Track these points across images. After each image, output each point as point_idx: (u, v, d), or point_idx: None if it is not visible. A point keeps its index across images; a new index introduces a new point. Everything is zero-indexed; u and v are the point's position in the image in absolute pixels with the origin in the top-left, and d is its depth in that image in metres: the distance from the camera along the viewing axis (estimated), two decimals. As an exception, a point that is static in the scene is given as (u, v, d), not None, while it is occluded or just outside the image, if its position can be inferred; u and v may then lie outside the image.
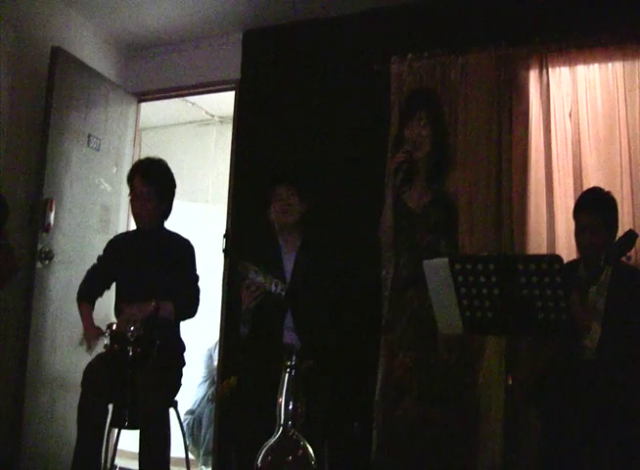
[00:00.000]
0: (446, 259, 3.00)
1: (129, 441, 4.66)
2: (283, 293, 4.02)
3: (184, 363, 4.39)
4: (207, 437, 5.97)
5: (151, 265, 4.35)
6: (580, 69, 4.72)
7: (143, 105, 6.55)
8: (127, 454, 5.22)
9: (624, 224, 4.02)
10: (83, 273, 4.58)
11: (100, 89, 5.93)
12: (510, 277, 2.87)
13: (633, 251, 3.59)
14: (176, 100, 6.77)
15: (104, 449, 4.16)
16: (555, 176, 4.65)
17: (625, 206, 4.34)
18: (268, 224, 4.35)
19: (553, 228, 4.56)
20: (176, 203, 4.57)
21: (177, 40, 6.22)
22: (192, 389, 6.19)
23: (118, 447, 4.65)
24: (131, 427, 4.05)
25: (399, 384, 3.80)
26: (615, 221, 3.86)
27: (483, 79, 4.89)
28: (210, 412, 6.04)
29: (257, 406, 3.45)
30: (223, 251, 5.58)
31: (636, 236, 3.45)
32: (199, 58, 6.19)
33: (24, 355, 5.10)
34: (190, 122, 7.70)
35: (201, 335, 6.17)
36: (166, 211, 4.54)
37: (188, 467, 4.46)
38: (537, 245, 4.59)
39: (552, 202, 4.62)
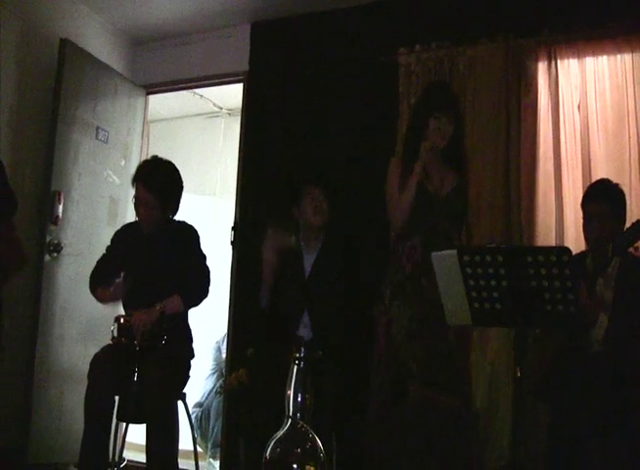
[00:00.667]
0: (455, 251, 2.99)
1: (138, 433, 4.66)
2: (301, 246, 4.11)
3: (193, 355, 4.38)
4: (215, 429, 5.97)
5: (158, 261, 4.35)
6: (589, 60, 4.71)
7: (151, 97, 6.55)
8: (136, 447, 5.22)
9: (633, 216, 4.00)
10: (92, 265, 4.58)
11: (108, 81, 5.93)
12: (518, 269, 2.86)
13: None
14: (184, 92, 6.76)
15: (112, 442, 4.17)
16: (563, 168, 4.64)
17: (634, 197, 4.33)
18: (287, 220, 4.34)
19: (561, 220, 4.55)
20: (184, 196, 4.55)
21: (185, 32, 6.21)
22: (200, 381, 6.19)
23: (127, 440, 4.66)
24: (137, 420, 4.06)
25: (404, 371, 3.81)
26: (623, 213, 3.85)
27: (492, 71, 4.88)
28: (219, 405, 6.04)
29: (267, 398, 3.45)
30: (231, 243, 5.58)
31: (645, 227, 3.43)
32: (207, 50, 6.18)
33: (33, 348, 5.12)
34: (198, 115, 7.68)
35: (209, 327, 6.18)
36: (173, 212, 4.53)
37: (196, 460, 4.46)
38: (546, 237, 4.58)
39: (560, 194, 4.61)
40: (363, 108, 5.27)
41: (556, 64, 4.77)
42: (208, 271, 4.39)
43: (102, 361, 4.08)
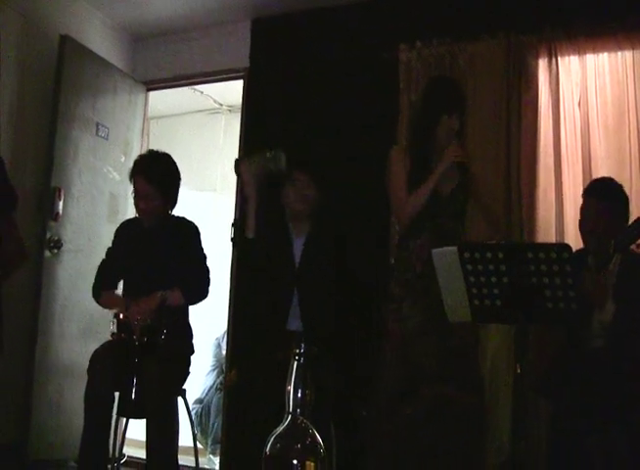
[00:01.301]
0: (455, 248, 2.99)
1: (138, 429, 4.67)
2: (283, 164, 4.05)
3: (192, 351, 4.38)
4: (216, 426, 5.99)
5: (159, 254, 4.35)
6: (589, 57, 4.72)
7: (151, 93, 6.55)
8: (136, 443, 5.23)
9: (633, 213, 4.01)
10: (92, 262, 4.59)
11: (108, 78, 5.93)
12: (519, 265, 2.86)
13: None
14: (185, 89, 6.75)
15: (112, 438, 4.17)
16: (564, 165, 4.64)
17: (634, 193, 4.33)
18: (276, 205, 4.32)
19: (562, 217, 4.56)
20: (184, 192, 4.55)
21: (186, 28, 6.22)
22: (200, 378, 6.19)
23: (127, 436, 4.66)
24: (137, 416, 4.06)
25: (416, 369, 3.82)
26: (622, 211, 3.85)
27: (492, 68, 4.88)
28: (219, 401, 6.05)
29: (264, 394, 3.45)
30: (231, 239, 5.56)
31: (646, 224, 3.44)
32: (207, 46, 6.18)
33: (33, 344, 5.13)
34: (198, 111, 7.68)
35: (209, 324, 6.18)
36: (172, 205, 4.52)
37: (196, 456, 4.47)
38: (546, 233, 4.58)
39: (561, 190, 4.61)
40: (364, 104, 5.27)
41: (556, 60, 4.77)
42: (209, 272, 4.40)
43: (102, 357, 4.08)
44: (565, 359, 3.76)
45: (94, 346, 4.33)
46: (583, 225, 3.93)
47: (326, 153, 5.20)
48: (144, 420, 4.03)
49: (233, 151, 6.09)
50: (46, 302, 5.22)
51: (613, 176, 4.05)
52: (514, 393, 3.51)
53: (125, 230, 4.61)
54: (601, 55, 4.70)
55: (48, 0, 5.50)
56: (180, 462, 4.16)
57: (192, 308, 4.41)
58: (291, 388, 1.70)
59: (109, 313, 4.40)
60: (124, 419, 4.42)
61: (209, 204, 7.44)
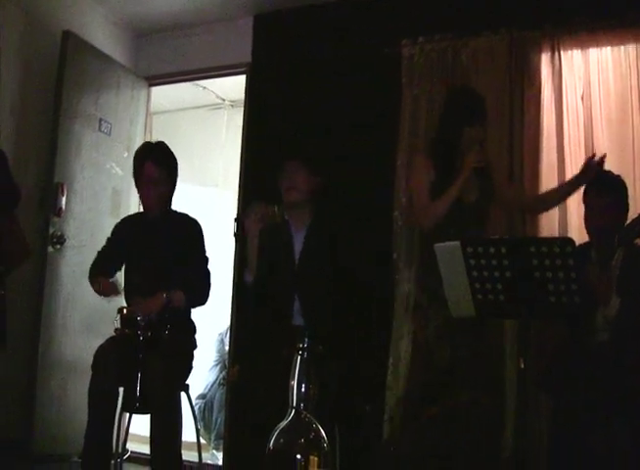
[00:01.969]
0: (458, 243, 2.99)
1: (141, 424, 4.67)
2: (285, 217, 4.09)
3: (195, 346, 4.40)
4: (219, 421, 5.98)
5: (161, 250, 4.35)
6: (592, 51, 4.70)
7: (154, 89, 6.55)
8: (139, 438, 5.23)
9: (637, 206, 4.01)
10: (97, 251, 4.59)
11: (111, 73, 5.93)
12: (522, 260, 2.86)
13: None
14: (187, 84, 6.75)
15: (115, 433, 4.17)
16: (567, 159, 4.63)
17: (637, 187, 4.32)
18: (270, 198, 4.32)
19: (565, 211, 4.54)
20: (187, 187, 4.58)
21: (188, 24, 6.21)
22: (203, 373, 6.19)
23: (130, 431, 4.66)
24: (141, 411, 4.06)
25: (440, 374, 3.83)
26: (625, 204, 3.85)
27: (495, 63, 4.87)
28: (222, 397, 6.05)
29: (267, 389, 3.45)
30: (234, 235, 5.56)
31: (650, 218, 3.44)
32: (209, 41, 6.17)
33: (36, 339, 5.13)
34: (201, 107, 7.67)
35: (211, 319, 6.18)
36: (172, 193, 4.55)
37: (199, 451, 4.47)
38: (549, 228, 4.57)
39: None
40: (366, 99, 5.26)
41: (559, 55, 4.75)
42: (210, 276, 4.43)
43: (106, 353, 4.08)
44: (567, 354, 3.75)
45: (97, 341, 4.33)
46: (590, 222, 3.92)
47: (328, 148, 5.20)
48: (147, 415, 4.04)
49: (235, 146, 6.08)
50: (49, 297, 5.22)
51: (616, 170, 4.04)
52: (517, 388, 3.53)
53: (126, 226, 4.62)
54: (604, 49, 4.68)
55: (50, -4, 5.50)
56: (183, 457, 4.16)
57: (195, 303, 4.43)
58: (294, 382, 1.71)
59: (112, 308, 4.40)
60: (128, 414, 4.43)
61: (212, 199, 7.43)
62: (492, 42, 4.90)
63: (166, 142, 4.59)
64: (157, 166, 4.39)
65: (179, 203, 4.62)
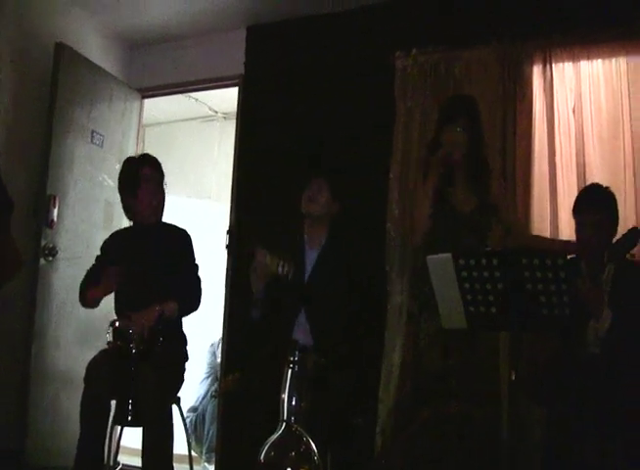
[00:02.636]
0: (450, 255, 3.00)
1: (132, 437, 4.66)
2: (290, 275, 4.01)
3: (187, 358, 4.40)
4: (211, 433, 5.97)
5: (152, 262, 4.35)
6: (584, 64, 4.71)
7: (146, 101, 6.55)
8: (130, 451, 5.22)
9: (627, 220, 4.02)
10: (87, 269, 4.58)
11: (103, 85, 5.94)
12: (513, 272, 2.87)
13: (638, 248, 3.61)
14: (180, 96, 6.76)
15: (107, 446, 4.16)
16: (558, 172, 4.64)
17: (628, 201, 4.33)
18: (294, 216, 4.32)
19: (556, 224, 4.55)
20: (179, 199, 4.59)
21: (181, 36, 6.22)
22: (194, 385, 6.18)
23: (121, 444, 4.65)
24: (134, 424, 4.05)
25: (432, 385, 3.82)
26: (615, 217, 3.85)
27: (487, 74, 4.88)
28: (214, 409, 6.04)
29: (260, 402, 3.44)
30: (226, 247, 5.57)
31: (639, 233, 3.45)
32: (202, 54, 6.18)
33: (28, 351, 5.12)
34: (193, 119, 7.68)
35: (203, 331, 6.17)
36: None
37: (191, 464, 4.46)
38: (541, 241, 4.58)
39: (555, 197, 4.61)
40: (359, 111, 5.27)
41: (551, 67, 4.77)
42: (200, 282, 4.44)
43: (99, 365, 4.07)
44: (559, 366, 3.75)
45: (90, 353, 4.32)
46: (580, 237, 3.89)
47: (321, 160, 5.21)
48: (139, 428, 4.03)
49: (228, 158, 6.08)
50: (41, 309, 5.21)
51: (607, 184, 4.04)
52: (508, 400, 3.52)
53: (115, 240, 4.63)
54: (595, 61, 4.70)
55: (44, 8, 5.50)
56: (175, 470, 4.16)
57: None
58: (285, 396, 1.70)
59: (104, 320, 4.39)
60: (119, 427, 4.41)
61: (204, 211, 7.43)
62: (485, 54, 4.91)
63: (159, 154, 4.61)
64: (154, 170, 4.47)
65: (172, 215, 4.62)
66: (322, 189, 4.27)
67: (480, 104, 4.21)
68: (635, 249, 3.52)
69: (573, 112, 4.69)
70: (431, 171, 3.90)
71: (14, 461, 4.93)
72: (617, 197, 3.92)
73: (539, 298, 2.87)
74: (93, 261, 4.61)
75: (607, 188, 3.92)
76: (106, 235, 4.83)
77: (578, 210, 3.92)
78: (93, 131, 5.76)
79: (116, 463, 4.78)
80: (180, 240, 4.49)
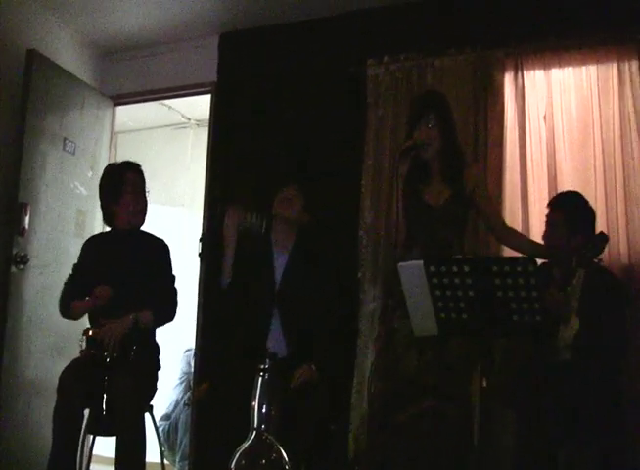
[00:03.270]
0: (421, 262, 3.01)
1: (105, 446, 4.64)
2: (263, 228, 4.04)
3: (159, 367, 4.38)
4: (184, 442, 5.95)
5: (128, 269, 4.33)
6: (555, 71, 4.76)
7: (119, 108, 6.53)
8: (103, 460, 5.19)
9: (598, 225, 4.04)
10: (59, 277, 4.56)
11: (76, 92, 5.90)
12: (484, 279, 2.88)
13: (606, 250, 3.65)
14: (152, 103, 6.73)
15: (79, 455, 4.14)
16: (529, 178, 4.68)
17: (599, 207, 4.36)
18: (261, 222, 4.31)
19: (528, 230, 4.58)
20: (152, 206, 4.56)
21: (153, 43, 6.21)
22: (167, 391, 6.16)
23: (94, 453, 4.63)
24: (106, 433, 4.03)
25: (407, 384, 3.82)
26: (579, 219, 3.88)
27: (459, 82, 4.91)
28: (187, 418, 6.02)
29: (234, 410, 3.44)
30: (199, 254, 5.56)
31: (607, 239, 3.49)
32: (175, 61, 6.17)
33: None
34: (166, 126, 7.67)
35: (176, 337, 6.16)
36: None
37: (164, 473, 4.45)
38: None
39: (527, 204, 4.65)
40: (331, 119, 5.28)
41: (522, 74, 4.81)
42: (176, 294, 4.44)
43: (72, 375, 4.04)
44: (532, 372, 3.77)
45: (62, 362, 4.30)
46: (547, 238, 3.96)
47: (293, 167, 5.22)
48: (111, 437, 4.01)
49: (201, 165, 6.08)
50: (13, 318, 5.16)
51: (578, 190, 4.08)
52: (480, 406, 3.53)
53: (93, 245, 4.60)
54: (566, 69, 4.74)
55: (15, 14, 5.46)
56: (148, 479, 4.14)
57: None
58: (256, 404, 1.70)
59: (77, 329, 4.37)
60: (92, 436, 4.39)
61: (178, 218, 7.42)
62: (457, 61, 4.94)
63: (136, 162, 4.60)
64: (139, 176, 4.49)
65: (146, 222, 4.60)
66: (297, 195, 4.28)
67: (451, 109, 4.22)
68: (602, 254, 3.56)
69: (545, 119, 4.72)
70: (401, 166, 3.88)
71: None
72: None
73: (510, 304, 2.88)
74: (65, 269, 4.58)
75: (575, 192, 3.98)
76: (78, 243, 4.80)
77: (550, 210, 3.98)
78: (65, 139, 5.73)
79: (89, 472, 4.76)
80: (158, 250, 4.49)
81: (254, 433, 1.70)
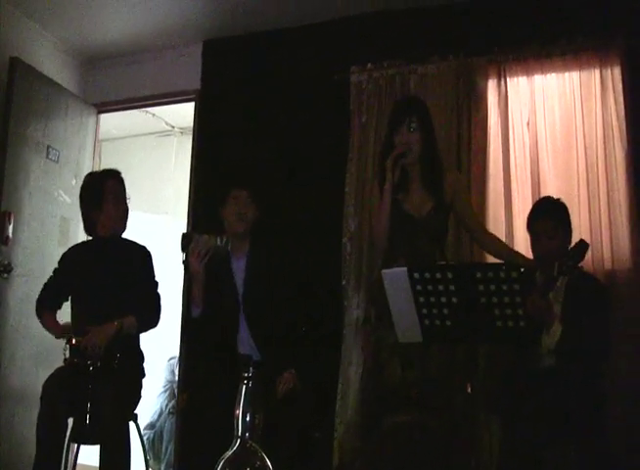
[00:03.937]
0: (405, 269, 3.01)
1: (89, 454, 4.61)
2: (229, 248, 4.04)
3: (144, 375, 4.37)
4: (169, 450, 5.93)
5: (111, 277, 4.32)
6: (538, 78, 4.78)
7: (102, 116, 6.52)
8: (87, 468, 5.16)
9: (581, 231, 4.06)
10: (44, 283, 4.54)
11: (59, 100, 5.89)
12: (468, 285, 2.89)
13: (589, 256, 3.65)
14: (136, 111, 6.73)
15: (63, 464, 4.12)
16: (513, 185, 4.69)
17: (582, 213, 4.39)
18: (217, 226, 4.31)
19: (511, 235, 4.59)
20: (136, 214, 4.56)
21: (137, 51, 6.20)
22: (151, 399, 6.14)
23: (78, 462, 4.60)
24: (91, 442, 4.02)
25: (395, 395, 3.81)
26: (568, 225, 3.90)
27: (443, 89, 4.93)
28: (172, 426, 6.00)
29: (217, 418, 3.43)
30: (183, 262, 5.54)
31: (587, 246, 3.49)
32: (159, 68, 6.17)
33: (-17, 370, 5.05)
34: (150, 134, 7.67)
35: (160, 344, 6.14)
36: None
37: (148, 481, 4.43)
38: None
39: (510, 210, 4.66)
40: (315, 125, 5.29)
41: (505, 81, 4.83)
42: (160, 299, 4.43)
43: (55, 383, 4.03)
44: (516, 378, 3.77)
45: (46, 370, 4.28)
46: (535, 247, 3.95)
47: (278, 173, 5.23)
48: (95, 445, 3.99)
49: (185, 173, 6.07)
50: (-4, 326, 5.16)
51: (561, 196, 4.08)
52: (464, 412, 3.54)
53: (74, 254, 4.59)
54: (549, 75, 4.77)
55: (-2, 22, 5.46)
56: (133, 488, 4.12)
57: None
58: (239, 412, 1.70)
59: (61, 338, 4.35)
60: (76, 445, 4.37)
61: (161, 226, 7.41)
62: (440, 69, 4.96)
63: (116, 169, 4.59)
64: (119, 183, 4.47)
65: (129, 230, 4.59)
66: (247, 204, 4.28)
67: (434, 118, 4.22)
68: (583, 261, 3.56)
69: (528, 125, 4.74)
70: (387, 174, 3.88)
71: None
72: (571, 208, 3.97)
73: (494, 310, 2.88)
74: (46, 282, 4.56)
75: (557, 199, 3.98)
76: (61, 251, 4.77)
77: (533, 219, 3.97)
78: (48, 146, 5.71)
79: (73, 481, 4.74)
80: (140, 256, 4.47)
81: (239, 440, 1.70)
